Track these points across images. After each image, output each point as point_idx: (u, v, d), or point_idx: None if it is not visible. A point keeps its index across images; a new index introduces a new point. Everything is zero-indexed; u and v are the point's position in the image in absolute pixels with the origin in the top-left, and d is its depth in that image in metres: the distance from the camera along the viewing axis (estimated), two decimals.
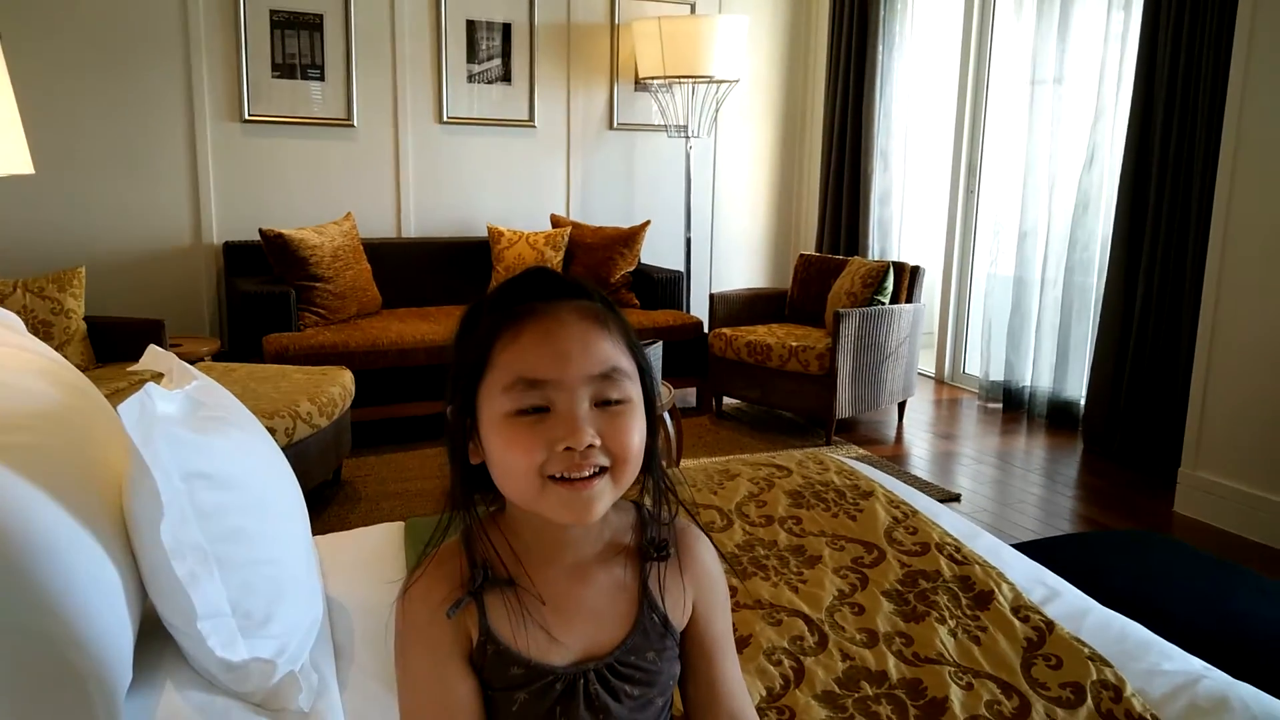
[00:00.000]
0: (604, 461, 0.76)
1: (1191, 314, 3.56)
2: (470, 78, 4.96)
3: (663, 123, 5.35)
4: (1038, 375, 4.65)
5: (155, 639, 1.18)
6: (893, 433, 4.49)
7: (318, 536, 1.75)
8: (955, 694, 1.16)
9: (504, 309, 0.79)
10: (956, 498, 3.57)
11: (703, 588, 0.87)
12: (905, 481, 3.52)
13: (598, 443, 0.75)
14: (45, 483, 1.05)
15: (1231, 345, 3.23)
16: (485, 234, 4.91)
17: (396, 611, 0.84)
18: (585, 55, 5.22)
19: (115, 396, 2.89)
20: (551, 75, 5.15)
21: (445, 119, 4.93)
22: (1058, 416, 4.55)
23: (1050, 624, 1.30)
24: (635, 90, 5.35)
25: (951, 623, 1.31)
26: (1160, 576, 1.78)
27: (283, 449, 2.90)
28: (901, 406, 4.62)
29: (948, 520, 1.70)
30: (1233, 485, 3.24)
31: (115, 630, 1.06)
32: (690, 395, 4.84)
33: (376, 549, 1.65)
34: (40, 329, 3.42)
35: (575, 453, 0.74)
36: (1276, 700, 1.17)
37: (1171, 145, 3.71)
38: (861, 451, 4.08)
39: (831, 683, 1.19)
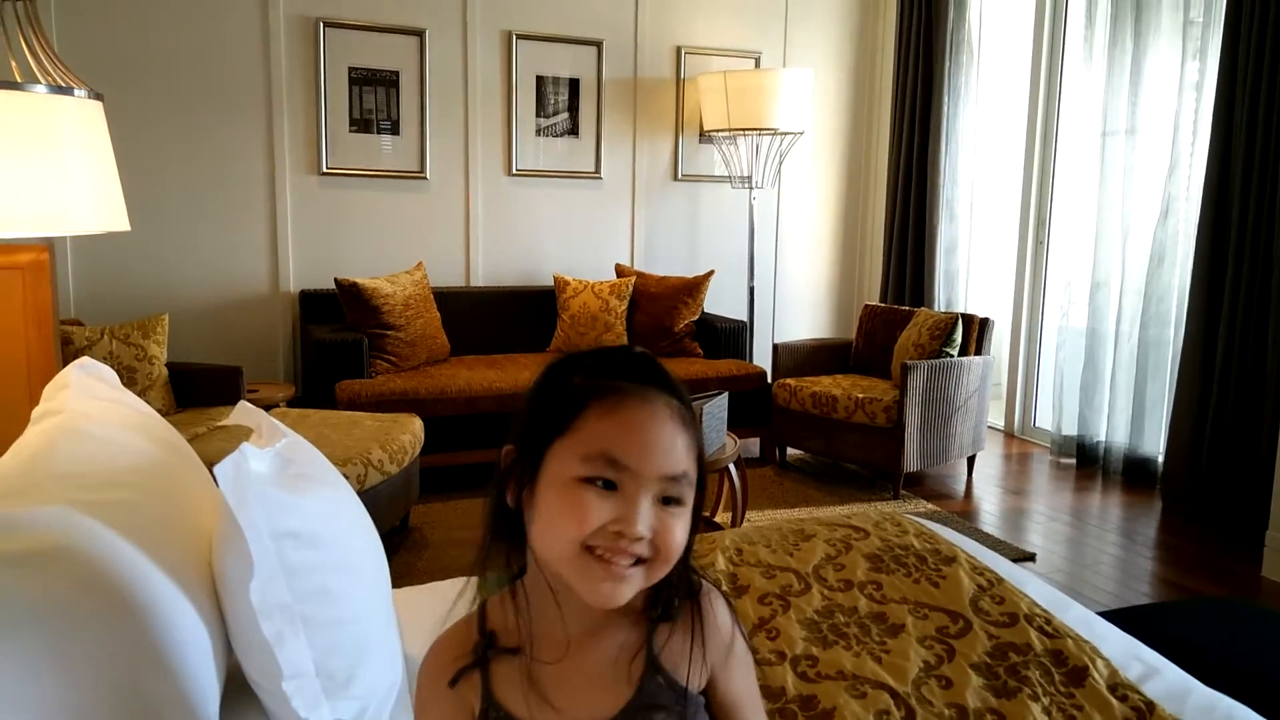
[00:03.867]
0: (646, 554, 0.78)
1: (1276, 368, 3.44)
2: (539, 131, 5.06)
3: (726, 174, 5.38)
4: (1113, 430, 4.52)
5: (240, 698, 1.19)
6: (962, 487, 4.39)
7: (394, 591, 1.76)
8: None
9: (604, 377, 0.81)
10: (1031, 557, 3.46)
11: (717, 647, 0.88)
12: (979, 540, 3.44)
13: (649, 536, 0.77)
14: (141, 540, 1.08)
15: None
16: (551, 283, 4.97)
17: (418, 674, 0.87)
18: (651, 108, 5.30)
19: (194, 443, 2.97)
20: (617, 128, 5.22)
21: (514, 171, 5.02)
22: (1134, 473, 4.41)
23: (1150, 704, 1.24)
24: (700, 142, 5.40)
25: (1045, 700, 1.26)
26: (1258, 650, 1.70)
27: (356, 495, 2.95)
28: (971, 461, 4.53)
29: (1035, 589, 1.64)
30: None
31: (205, 689, 1.07)
32: (754, 446, 4.80)
33: (450, 603, 1.65)
34: (125, 374, 3.53)
35: (624, 539, 0.76)
36: None
37: (1252, 195, 3.62)
38: (931, 507, 3.99)
39: None
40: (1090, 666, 1.32)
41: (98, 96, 1.78)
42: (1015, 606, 1.48)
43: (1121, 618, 1.96)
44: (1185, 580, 3.30)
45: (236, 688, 1.21)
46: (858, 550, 1.70)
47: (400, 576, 2.96)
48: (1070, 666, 1.33)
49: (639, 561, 0.78)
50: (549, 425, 0.80)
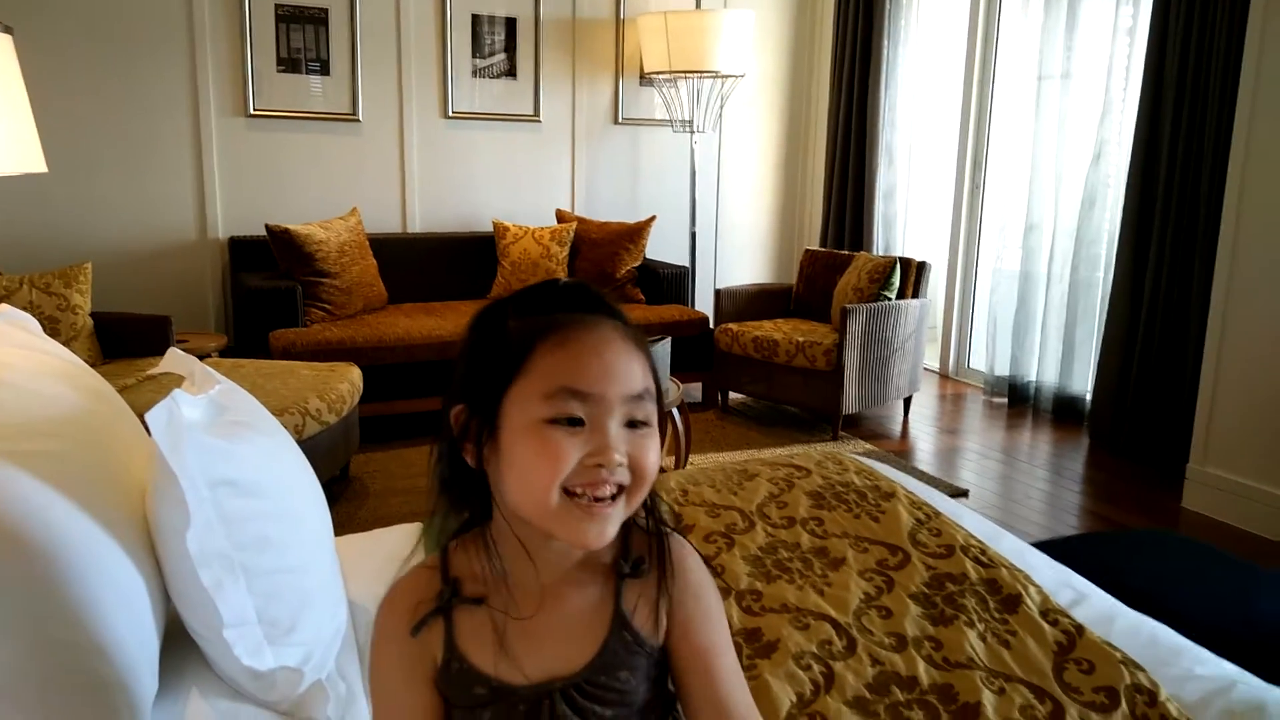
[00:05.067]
0: (626, 480, 0.76)
1: (1200, 309, 3.55)
2: (475, 72, 4.94)
3: (667, 117, 5.33)
4: (1043, 370, 4.65)
5: (181, 647, 1.17)
6: (898, 428, 4.48)
7: (336, 539, 1.74)
8: (988, 699, 1.16)
9: (542, 314, 0.78)
10: (964, 493, 3.56)
11: (686, 597, 0.83)
12: (916, 478, 3.52)
13: (625, 462, 0.76)
14: (69, 490, 1.04)
15: (1242, 341, 3.22)
16: (490, 229, 4.89)
17: (375, 619, 0.84)
18: (590, 50, 5.20)
19: (124, 394, 2.88)
20: (556, 70, 5.12)
21: (450, 114, 4.90)
22: (1064, 411, 4.54)
23: (1080, 628, 1.29)
24: (640, 85, 5.33)
25: (980, 626, 1.30)
26: (1182, 577, 1.78)
27: None
28: (908, 402, 4.62)
29: (970, 521, 1.69)
30: (1242, 481, 3.24)
31: (141, 639, 1.05)
32: (696, 390, 4.83)
33: (395, 551, 1.64)
34: (47, 325, 3.40)
35: (603, 469, 0.74)
36: None
37: (1180, 140, 3.70)
38: (869, 447, 4.07)
39: (862, 688, 1.18)
40: (1023, 594, 1.37)
41: (6, 30, 1.68)
42: (952, 538, 1.52)
43: (1053, 548, 2.02)
44: (1111, 513, 3.43)
45: (178, 638, 1.18)
46: (800, 488, 1.72)
47: (342, 525, 2.92)
48: (1004, 594, 1.37)
49: (618, 493, 0.76)
50: (498, 374, 0.77)
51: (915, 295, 4.44)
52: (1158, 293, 3.84)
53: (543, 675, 0.79)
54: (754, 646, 1.26)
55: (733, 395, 4.70)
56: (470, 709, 0.80)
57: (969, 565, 1.44)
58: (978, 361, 5.23)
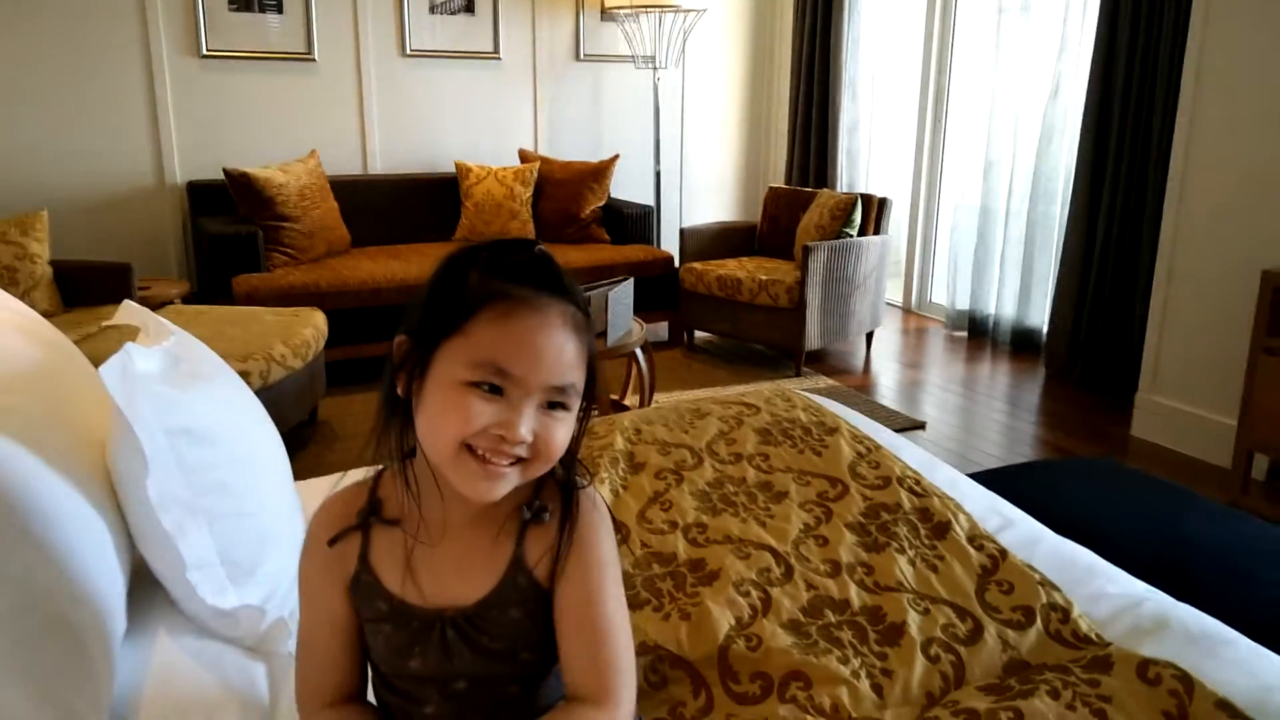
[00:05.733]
0: (525, 455, 0.81)
1: (1151, 244, 3.63)
2: (432, 8, 4.86)
3: (630, 53, 5.28)
4: (1002, 304, 4.73)
5: (147, 590, 1.22)
6: (861, 363, 4.57)
7: (299, 482, 1.78)
8: (913, 619, 1.24)
9: (500, 277, 0.80)
10: (922, 425, 3.66)
11: (575, 547, 0.87)
12: (871, 412, 3.61)
13: (530, 440, 0.80)
14: (31, 442, 1.08)
15: (1188, 275, 3.30)
16: (453, 170, 4.87)
17: (313, 519, 0.92)
18: None
19: (84, 344, 2.89)
20: (515, 5, 5.05)
21: (408, 52, 4.84)
22: (1021, 344, 4.64)
23: (1003, 551, 1.37)
24: (602, 20, 5.27)
25: (911, 552, 1.38)
26: (1113, 503, 1.87)
27: (257, 392, 2.92)
28: (870, 337, 4.70)
29: (910, 454, 1.76)
30: (1187, 409, 3.35)
31: (107, 582, 1.10)
32: (662, 329, 4.88)
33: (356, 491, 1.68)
34: (5, 275, 3.38)
35: (505, 442, 0.79)
36: (1213, 620, 1.25)
37: (1135, 76, 3.73)
38: (830, 382, 4.16)
39: (797, 611, 1.26)
40: (953, 521, 1.44)
41: None
42: (889, 470, 1.59)
43: (998, 478, 2.11)
44: (1064, 442, 3.54)
45: (144, 581, 1.23)
46: (749, 425, 1.79)
47: (310, 469, 2.97)
48: (935, 522, 1.45)
49: (517, 460, 0.80)
50: (441, 323, 0.80)
51: (877, 232, 4.49)
52: (1111, 227, 3.91)
53: (440, 602, 0.86)
54: (697, 575, 1.33)
55: (698, 334, 4.76)
56: (372, 621, 0.88)
57: (903, 495, 1.51)
58: (939, 296, 5.31)
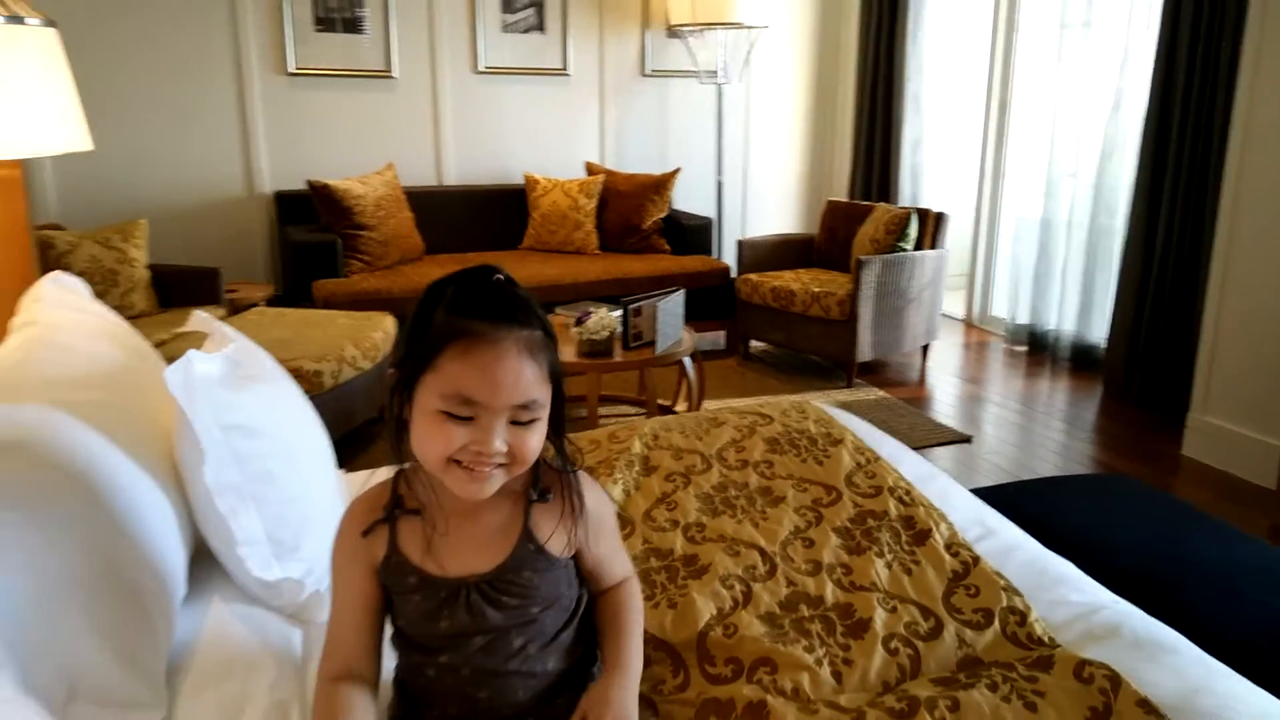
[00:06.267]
0: (504, 461, 0.97)
1: (1209, 261, 3.60)
2: (505, 27, 5.08)
3: (695, 69, 5.42)
4: (1062, 319, 4.72)
5: (205, 562, 1.41)
6: (916, 375, 4.61)
7: (353, 472, 1.97)
8: (879, 616, 1.35)
9: (462, 313, 0.95)
10: (967, 439, 3.70)
11: (588, 523, 1.09)
12: (915, 425, 3.67)
13: (505, 449, 0.96)
14: (112, 432, 1.27)
15: (1242, 293, 3.29)
16: (522, 182, 5.08)
17: (344, 514, 1.10)
18: (616, 3, 5.30)
19: (161, 348, 3.15)
20: (584, 23, 5.24)
21: (481, 69, 5.07)
22: (1081, 360, 4.62)
23: (976, 558, 1.46)
24: (667, 37, 5.42)
25: (889, 556, 1.48)
26: (1115, 519, 1.93)
27: (330, 390, 3.16)
28: (925, 350, 4.73)
29: (910, 465, 1.86)
30: (1238, 430, 3.33)
31: (172, 553, 1.29)
32: (720, 338, 5.00)
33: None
34: (108, 277, 3.69)
35: (483, 455, 0.95)
36: (1165, 629, 1.33)
37: (1194, 91, 3.71)
38: (881, 394, 4.22)
39: (774, 605, 1.38)
40: (934, 529, 1.54)
41: (50, 24, 1.89)
42: (883, 481, 1.70)
43: (1009, 492, 2.19)
44: (1113, 461, 3.54)
45: (203, 555, 1.42)
46: (759, 434, 1.91)
47: (377, 462, 3.18)
48: (917, 529, 1.55)
49: (499, 464, 0.96)
50: (417, 361, 0.96)
51: (933, 246, 4.53)
52: (1170, 242, 3.89)
53: (461, 572, 1.04)
54: (689, 570, 1.47)
55: (754, 343, 4.87)
56: (403, 594, 1.06)
57: (891, 504, 1.62)
58: (1000, 310, 5.31)
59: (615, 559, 1.17)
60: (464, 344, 0.93)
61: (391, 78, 4.90)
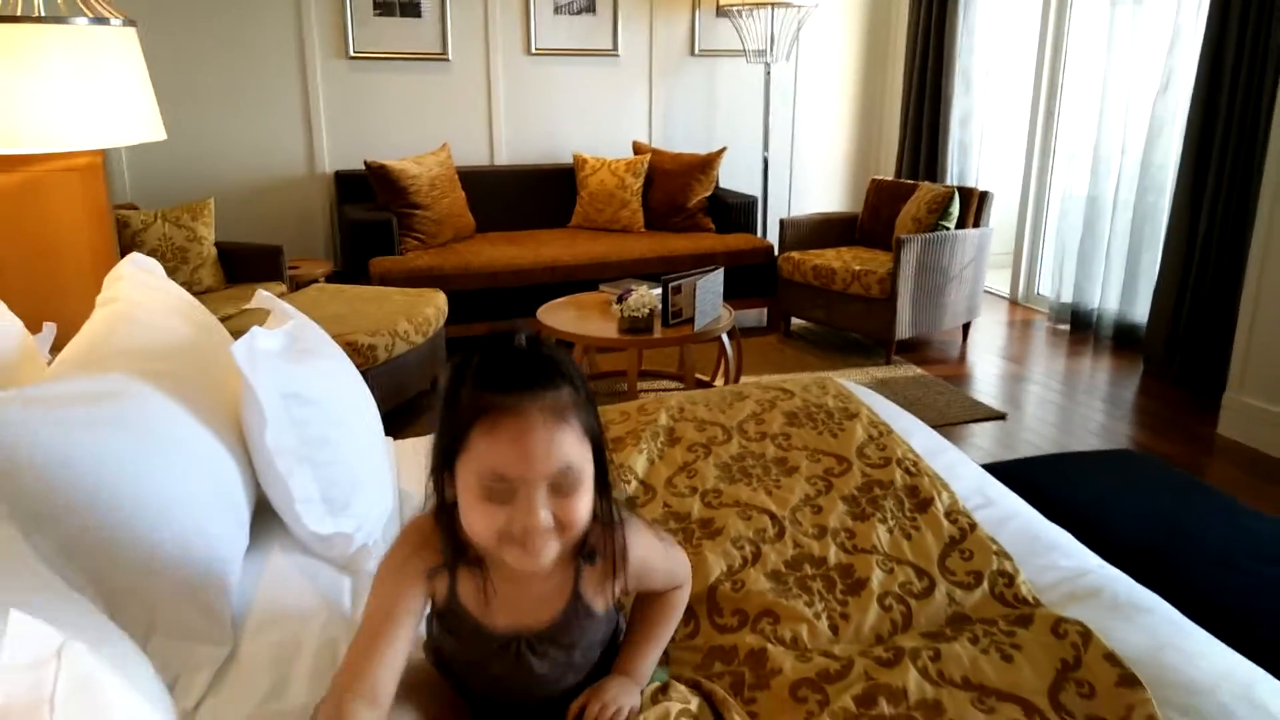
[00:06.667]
0: (553, 533, 0.95)
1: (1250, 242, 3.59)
2: (556, 9, 5.19)
3: (743, 48, 5.47)
4: (1106, 298, 4.72)
5: (267, 517, 1.57)
6: (957, 353, 4.65)
7: (403, 440, 2.13)
8: (877, 576, 1.46)
9: (487, 387, 0.94)
10: (1002, 417, 3.75)
11: (635, 571, 1.11)
12: (951, 402, 3.74)
13: (551, 523, 0.94)
14: (185, 400, 1.43)
15: None
16: (571, 161, 5.20)
17: (402, 533, 1.09)
18: None
19: (228, 323, 3.35)
20: (634, 4, 5.32)
21: (533, 51, 5.19)
22: (1123, 339, 4.62)
23: (974, 525, 1.56)
24: (716, 16, 5.48)
25: (891, 522, 1.59)
26: (1121, 494, 2.00)
27: (384, 363, 3.34)
28: (967, 328, 4.77)
29: (921, 438, 1.96)
30: (1272, 409, 3.34)
31: (236, 506, 1.45)
32: (763, 316, 5.09)
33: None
34: (178, 254, 3.91)
35: (530, 531, 0.93)
36: (1146, 592, 1.42)
37: (1242, 73, 3.69)
38: (919, 372, 4.28)
39: (780, 564, 1.50)
40: (935, 498, 1.64)
41: (130, 23, 2.06)
42: (892, 452, 1.80)
43: (1024, 466, 2.27)
44: (1149, 440, 3.57)
45: (264, 510, 1.58)
46: (779, 408, 2.02)
47: (425, 432, 3.36)
48: (920, 498, 1.65)
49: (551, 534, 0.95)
50: (451, 442, 0.96)
51: (977, 224, 4.56)
52: (1214, 222, 3.88)
53: (513, 627, 1.08)
54: (704, 531, 1.59)
55: (795, 320, 4.94)
56: (454, 634, 1.09)
57: (898, 474, 1.72)
58: (1045, 288, 5.31)
59: (664, 578, 1.19)
60: (490, 420, 0.92)
61: (447, 60, 5.05)
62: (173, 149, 4.64)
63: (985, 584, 1.43)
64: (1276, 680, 1.20)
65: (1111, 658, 1.21)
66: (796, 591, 1.43)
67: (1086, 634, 1.25)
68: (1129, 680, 1.17)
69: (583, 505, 0.97)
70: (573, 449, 0.95)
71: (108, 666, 0.89)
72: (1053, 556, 1.52)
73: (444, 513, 1.02)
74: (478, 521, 0.95)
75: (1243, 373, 3.46)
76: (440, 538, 1.03)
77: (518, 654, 1.08)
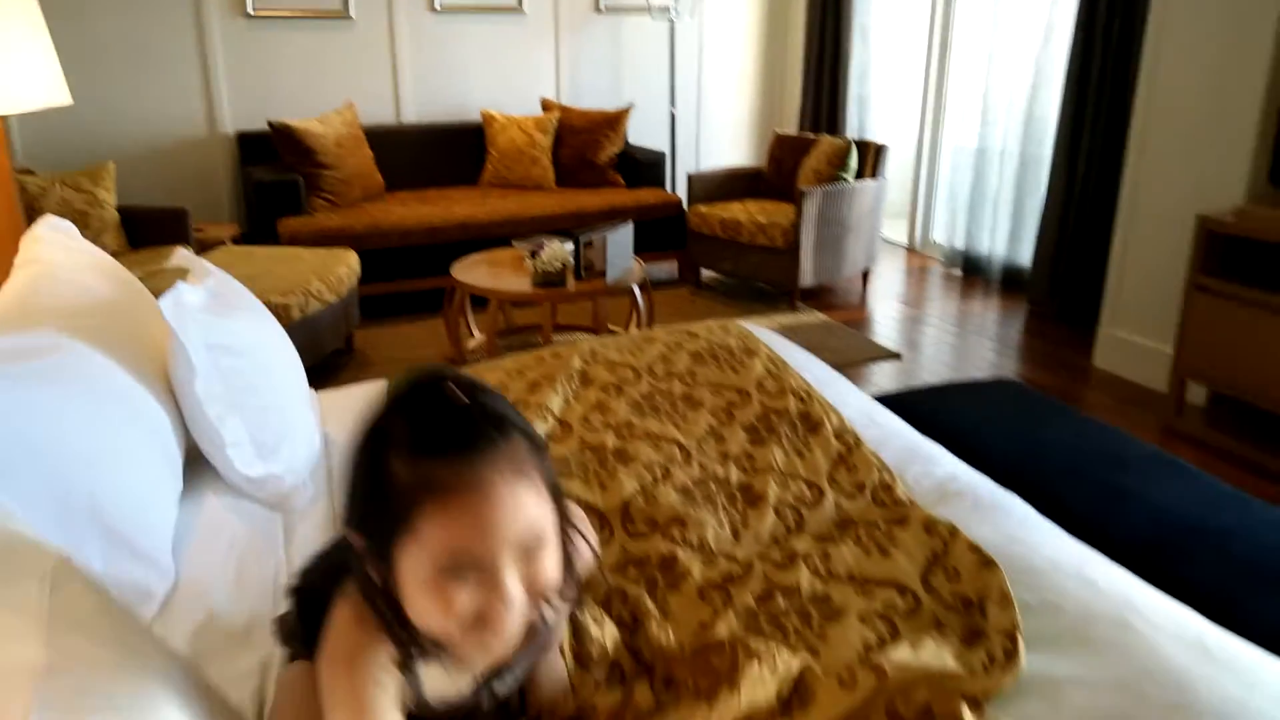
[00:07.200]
0: (523, 606, 0.81)
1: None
2: None
3: (647, 4, 5.54)
4: (994, 243, 4.99)
5: (198, 464, 1.64)
6: (857, 299, 4.87)
7: (325, 391, 2.20)
8: (772, 490, 1.61)
9: (425, 462, 0.78)
10: (896, 356, 3.98)
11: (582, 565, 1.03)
12: (848, 343, 3.94)
13: (520, 595, 0.80)
14: (113, 353, 1.49)
15: (1148, 214, 3.55)
16: (479, 119, 5.22)
17: (332, 625, 0.87)
18: None
19: (147, 280, 3.33)
20: None
21: (437, 7, 5.17)
22: (1010, 282, 4.91)
23: (859, 442, 1.73)
24: None
25: (785, 445, 1.74)
26: (989, 416, 2.21)
27: (298, 322, 3.37)
28: (866, 275, 4.99)
29: (814, 371, 2.12)
30: (1139, 341, 3.63)
31: (169, 454, 1.52)
32: (673, 269, 5.23)
33: (365, 399, 2.09)
34: (78, 219, 3.82)
35: (499, 608, 0.79)
36: (1006, 494, 1.60)
37: (1116, 24, 3.93)
38: (823, 317, 4.48)
39: (688, 481, 1.64)
40: (825, 420, 1.80)
41: None
42: (786, 383, 1.95)
43: (914, 396, 2.46)
44: (1032, 372, 3.84)
45: (195, 457, 1.65)
46: (685, 350, 2.16)
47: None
48: (811, 422, 1.81)
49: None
50: (386, 524, 0.79)
51: (874, 176, 4.76)
52: (1089, 170, 4.15)
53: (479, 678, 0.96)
54: (618, 459, 1.72)
55: (705, 272, 5.10)
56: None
57: (792, 402, 1.88)
58: (939, 236, 5.57)
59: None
60: (440, 497, 0.77)
61: (349, 18, 5.00)
62: (66, 110, 4.50)
63: (868, 492, 1.60)
64: (1102, 557, 1.40)
65: (974, 548, 1.38)
66: (702, 503, 1.57)
67: (954, 531, 1.43)
68: (988, 563, 1.35)
69: (551, 564, 0.84)
70: (538, 507, 0.83)
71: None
72: (928, 467, 1.69)
73: (382, 598, 0.83)
74: (433, 612, 0.79)
75: (1114, 308, 3.74)
76: (388, 631, 0.85)
77: (488, 688, 0.98)
